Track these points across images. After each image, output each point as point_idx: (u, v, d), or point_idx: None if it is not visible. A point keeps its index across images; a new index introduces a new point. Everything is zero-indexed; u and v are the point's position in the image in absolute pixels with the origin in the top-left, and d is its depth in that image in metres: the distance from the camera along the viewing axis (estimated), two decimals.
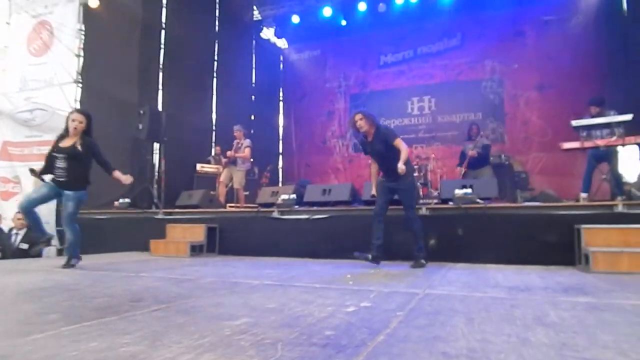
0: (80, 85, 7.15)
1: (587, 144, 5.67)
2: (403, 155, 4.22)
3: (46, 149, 7.06)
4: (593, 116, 5.84)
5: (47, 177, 4.52)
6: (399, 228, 4.91)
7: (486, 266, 4.24)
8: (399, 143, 4.30)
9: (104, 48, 7.50)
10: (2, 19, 7.89)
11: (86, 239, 6.64)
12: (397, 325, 1.88)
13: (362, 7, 10.81)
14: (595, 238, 3.98)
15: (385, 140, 4.32)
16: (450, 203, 5.03)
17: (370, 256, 4.21)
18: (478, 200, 4.86)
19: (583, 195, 5.93)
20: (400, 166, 4.14)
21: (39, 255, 6.17)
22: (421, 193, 7.63)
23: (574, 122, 5.70)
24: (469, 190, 4.93)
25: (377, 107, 11.22)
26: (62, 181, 4.36)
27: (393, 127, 10.99)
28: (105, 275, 3.73)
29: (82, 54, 7.23)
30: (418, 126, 10.76)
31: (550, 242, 4.42)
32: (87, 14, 7.34)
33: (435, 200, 6.26)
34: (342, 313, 2.13)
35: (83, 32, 7.28)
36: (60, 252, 6.74)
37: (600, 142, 5.58)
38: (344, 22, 11.35)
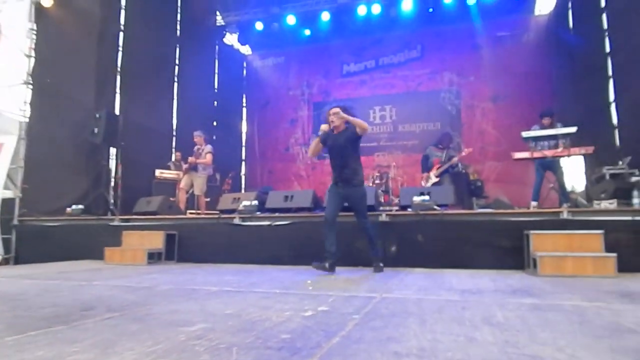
0: (31, 86, 6.83)
1: (536, 154, 6.00)
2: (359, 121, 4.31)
3: None
4: (545, 127, 6.19)
5: None
6: (360, 235, 5.00)
7: (442, 271, 4.38)
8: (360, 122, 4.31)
9: (57, 48, 7.21)
10: None
11: (35, 246, 6.37)
12: (353, 327, 1.92)
13: (325, 16, 10.96)
14: (542, 243, 4.21)
15: (350, 136, 4.31)
16: (409, 210, 5.17)
17: (327, 265, 4.18)
18: (435, 207, 5.02)
19: (533, 203, 6.26)
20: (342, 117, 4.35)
21: None
22: (382, 200, 7.79)
23: (524, 134, 6.02)
24: (427, 197, 5.09)
25: None
26: None
27: None
28: (54, 284, 3.57)
29: (33, 54, 6.93)
30: (379, 135, 10.98)
31: (502, 247, 4.63)
32: (40, 13, 7.06)
33: (396, 208, 6.41)
34: (299, 317, 2.15)
35: (34, 32, 6.98)
36: (5, 261, 6.38)
37: (547, 153, 5.92)
38: (307, 32, 11.47)
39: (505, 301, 2.60)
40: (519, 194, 8.06)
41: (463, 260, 4.63)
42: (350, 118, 4.34)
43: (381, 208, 5.97)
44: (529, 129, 6.14)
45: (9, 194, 6.65)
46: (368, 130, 4.40)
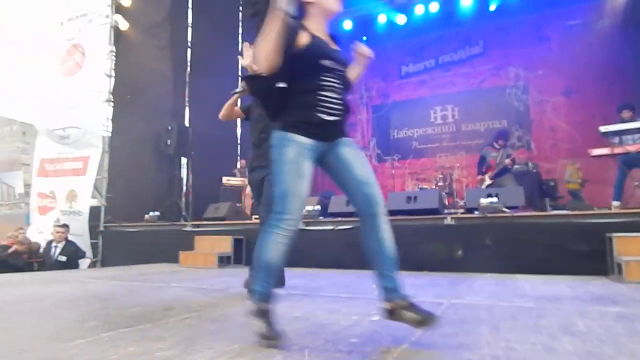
0: (112, 104, 7.47)
1: (617, 150, 5.54)
2: None
3: (78, 165, 7.48)
4: (625, 121, 5.70)
5: None
6: (424, 237, 4.92)
7: (514, 276, 4.18)
8: None
9: (133, 68, 7.83)
10: (40, 42, 8.36)
11: (118, 250, 6.94)
12: (422, 333, 1.90)
13: (382, 19, 10.91)
14: (628, 247, 3.88)
15: None
16: (476, 212, 4.99)
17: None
18: (504, 209, 4.81)
19: (615, 203, 5.78)
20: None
21: (76, 266, 6.43)
22: (446, 202, 7.57)
23: (603, 128, 5.58)
24: (495, 199, 4.89)
25: (399, 117, 11.26)
26: None
27: (417, 136, 11.01)
28: (137, 285, 3.87)
29: (113, 74, 7.57)
30: (442, 135, 10.69)
31: (580, 251, 4.32)
32: (118, 36, 7.70)
33: (461, 210, 6.21)
34: (367, 321, 2.16)
35: (114, 54, 7.63)
36: (93, 264, 7.01)
37: (631, 148, 5.44)
38: (364, 38, 11.49)
39: (587, 309, 2.43)
40: (596, 194, 7.46)
41: (536, 266, 4.38)
42: None
43: (446, 211, 5.81)
44: (607, 124, 5.69)
45: (95, 202, 7.30)
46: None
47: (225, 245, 5.86)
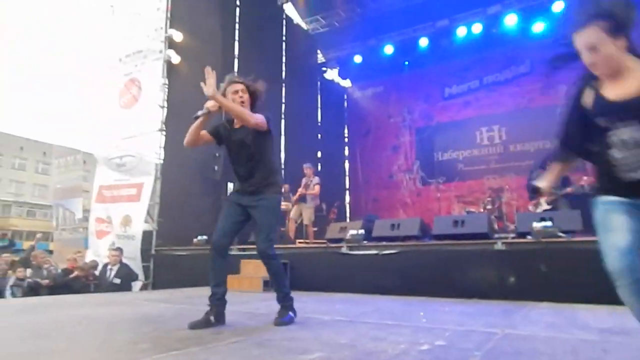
0: (164, 133, 7.87)
1: None
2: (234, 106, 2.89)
3: (133, 191, 7.89)
4: None
5: None
6: (472, 263, 4.74)
7: (573, 306, 3.91)
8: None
9: (184, 98, 8.24)
10: (101, 78, 9.03)
11: (168, 273, 7.16)
12: None
13: (423, 42, 10.92)
14: None
15: (255, 131, 2.99)
16: (529, 237, 4.75)
17: (211, 317, 2.88)
18: (560, 234, 4.55)
19: None
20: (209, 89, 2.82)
21: (129, 289, 6.69)
22: (496, 226, 7.26)
23: None
24: (549, 223, 4.64)
25: (444, 139, 11.09)
26: None
27: (462, 158, 10.75)
28: (186, 308, 3.96)
29: (165, 105, 8.01)
30: (488, 157, 10.40)
31: None
32: (170, 69, 8.17)
33: (512, 235, 5.94)
34: (415, 351, 2.09)
35: (167, 86, 8.09)
36: (145, 287, 7.26)
37: None
38: (406, 62, 11.55)
39: None
40: None
41: (599, 295, 4.04)
42: (225, 102, 2.89)
43: (496, 235, 5.58)
44: None
45: (147, 227, 7.63)
46: (260, 125, 2.95)
47: None
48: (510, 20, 9.92)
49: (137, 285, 7.14)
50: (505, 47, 10.26)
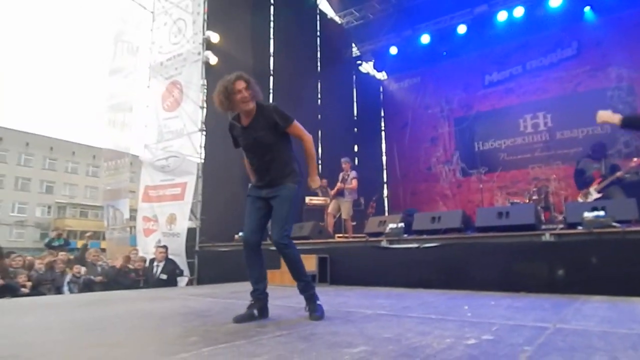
0: (204, 132, 8.09)
1: None
2: (311, 155, 3.08)
3: (177, 191, 8.17)
4: None
5: None
6: (519, 256, 4.59)
7: (629, 299, 3.70)
8: (299, 130, 3.02)
9: None
10: (143, 83, 9.40)
11: (211, 269, 7.38)
12: None
13: (461, 29, 10.61)
14: None
15: (272, 124, 2.95)
16: (579, 228, 4.53)
17: (254, 311, 3.00)
18: (614, 224, 4.31)
19: None
20: (316, 180, 3.17)
21: (175, 284, 6.96)
22: (543, 218, 6.98)
23: None
24: (602, 213, 4.41)
25: (484, 128, 10.75)
26: None
27: (504, 147, 10.38)
28: (231, 303, 4.07)
29: (205, 105, 8.22)
30: (533, 145, 9.98)
31: None
32: (208, 70, 8.37)
33: (561, 225, 5.69)
34: (462, 345, 2.05)
35: (205, 87, 8.29)
36: (190, 282, 7.52)
37: None
38: (444, 53, 11.26)
39: None
40: None
41: None
42: (314, 167, 3.17)
43: (543, 227, 5.36)
44: None
45: (191, 224, 7.89)
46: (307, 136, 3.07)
47: (310, 263, 5.95)
48: (555, 1, 9.45)
49: (183, 280, 7.40)
50: (549, 29, 9.79)
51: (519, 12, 9.92)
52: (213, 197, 7.98)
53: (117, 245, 9.38)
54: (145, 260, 7.49)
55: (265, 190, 3.04)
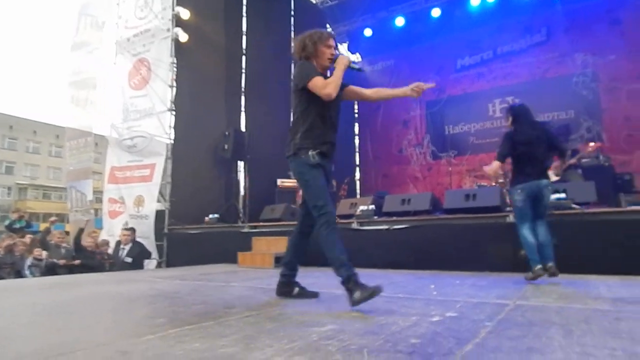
0: (174, 112, 7.87)
1: None
2: (383, 93, 3.12)
3: (146, 172, 7.97)
4: None
5: None
6: (484, 237, 4.73)
7: (586, 277, 3.89)
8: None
9: (192, 77, 8.20)
10: (110, 60, 9.01)
11: (181, 251, 7.29)
12: (487, 335, 1.82)
13: (435, 13, 10.63)
14: None
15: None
16: None
17: (373, 288, 2.46)
18: (574, 206, 4.49)
19: None
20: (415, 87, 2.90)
21: (141, 267, 6.84)
22: (508, 200, 7.19)
23: None
24: (563, 195, 4.59)
25: (455, 112, 10.90)
26: None
27: (474, 131, 10.59)
28: (200, 284, 4.04)
29: (174, 84, 7.97)
30: (501, 129, 10.15)
31: None
32: (178, 48, 8.09)
33: None
34: (427, 322, 2.10)
35: (175, 65, 8.03)
36: (159, 265, 7.41)
37: None
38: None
39: None
40: None
41: (611, 265, 4.04)
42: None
43: (508, 209, 5.53)
44: None
45: (160, 206, 7.73)
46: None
47: (281, 245, 5.95)
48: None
49: (152, 263, 7.29)
50: (520, 15, 9.93)
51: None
52: (183, 179, 7.82)
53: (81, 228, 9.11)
54: (108, 243, 7.31)
55: (329, 164, 2.88)
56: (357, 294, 2.41)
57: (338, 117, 2.90)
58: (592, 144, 6.81)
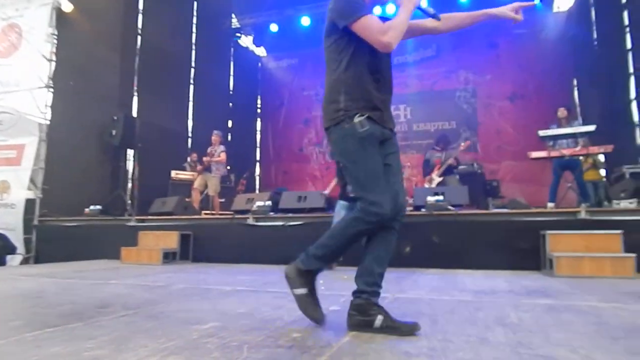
0: (52, 90, 7.00)
1: (554, 154, 5.90)
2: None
3: (12, 154, 6.96)
4: (560, 120, 6.09)
5: None
6: None
7: (456, 271, 4.34)
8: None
9: (77, 53, 7.37)
10: None
11: (54, 246, 6.52)
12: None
13: None
14: (559, 243, 4.13)
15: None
16: (423, 210, 5.13)
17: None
18: (449, 207, 4.98)
19: (550, 205, 6.14)
20: None
21: (3, 263, 5.98)
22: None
23: (541, 132, 5.94)
24: (441, 197, 5.05)
25: None
26: None
27: None
28: (72, 283, 3.65)
29: (54, 58, 7.09)
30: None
31: (518, 248, 4.55)
32: (61, 19, 7.21)
33: (410, 208, 6.37)
34: None
35: (55, 37, 7.14)
36: (26, 261, 6.54)
37: (565, 152, 5.81)
38: None
39: (520, 302, 2.56)
40: (535, 194, 7.95)
41: (478, 261, 4.57)
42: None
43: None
44: (547, 128, 6.05)
45: (30, 194, 6.81)
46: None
47: (171, 240, 5.66)
48: (422, 3, 10.36)
49: (16, 259, 6.40)
50: None
51: (390, 9, 10.63)
52: (60, 165, 6.98)
53: None
54: None
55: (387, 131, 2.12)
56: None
57: (391, 72, 2.24)
58: (463, 143, 7.82)
